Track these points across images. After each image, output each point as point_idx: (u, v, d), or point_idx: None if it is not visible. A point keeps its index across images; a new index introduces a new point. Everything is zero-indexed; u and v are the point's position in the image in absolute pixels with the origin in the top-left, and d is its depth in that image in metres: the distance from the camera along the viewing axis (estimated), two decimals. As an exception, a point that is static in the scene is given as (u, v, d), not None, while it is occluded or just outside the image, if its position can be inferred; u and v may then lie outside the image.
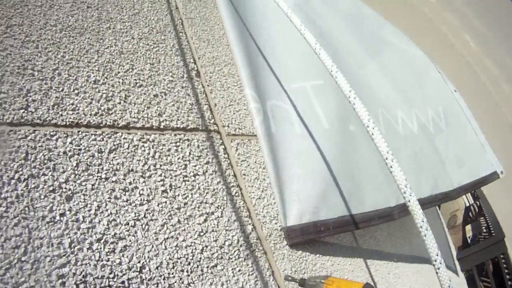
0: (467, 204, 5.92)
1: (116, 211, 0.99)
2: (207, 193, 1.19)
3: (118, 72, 1.31)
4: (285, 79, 1.86)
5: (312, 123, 1.72)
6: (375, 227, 2.05)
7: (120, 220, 0.98)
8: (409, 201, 0.99)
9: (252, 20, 2.02)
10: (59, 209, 0.90)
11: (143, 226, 1.01)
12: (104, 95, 1.20)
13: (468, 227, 5.50)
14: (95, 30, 1.38)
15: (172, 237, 1.06)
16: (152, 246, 1.00)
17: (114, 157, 1.08)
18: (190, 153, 1.24)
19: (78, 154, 1.02)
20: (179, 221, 1.08)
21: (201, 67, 1.61)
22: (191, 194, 1.14)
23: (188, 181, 1.16)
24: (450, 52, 4.90)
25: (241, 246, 1.18)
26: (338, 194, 1.60)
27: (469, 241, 5.40)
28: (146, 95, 1.29)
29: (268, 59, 1.85)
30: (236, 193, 1.30)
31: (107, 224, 0.95)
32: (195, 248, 1.08)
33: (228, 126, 1.51)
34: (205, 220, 1.13)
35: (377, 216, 1.76)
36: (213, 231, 1.13)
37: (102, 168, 1.04)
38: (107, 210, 0.98)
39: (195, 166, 1.22)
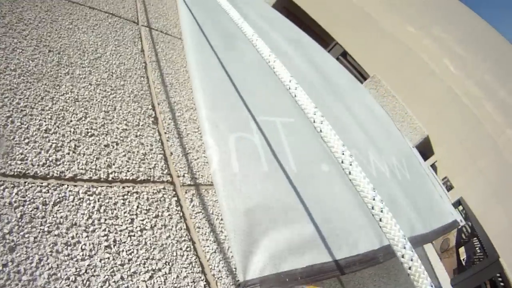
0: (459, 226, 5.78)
1: (57, 265, 0.96)
2: (154, 248, 1.13)
3: (71, 121, 1.30)
4: (254, 110, 1.81)
5: (280, 162, 1.65)
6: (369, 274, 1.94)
7: (61, 275, 0.95)
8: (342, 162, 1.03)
9: (220, 48, 1.98)
10: (1, 260, 0.88)
11: (84, 281, 0.98)
12: (53, 145, 1.18)
13: (462, 249, 5.35)
14: (53, 75, 1.37)
15: None
16: None
17: (58, 210, 1.05)
18: (138, 206, 1.18)
19: (23, 206, 1.00)
20: (122, 278, 1.05)
21: (160, 113, 1.57)
22: (137, 250, 1.09)
23: (134, 236, 1.11)
24: (431, 78, 4.88)
25: (191, 304, 1.09)
26: (307, 241, 1.51)
27: (463, 263, 5.24)
28: (96, 145, 1.25)
29: (238, 88, 1.78)
30: (187, 247, 1.23)
31: (48, 278, 0.93)
32: None
33: (183, 176, 1.45)
34: (151, 277, 1.07)
35: (358, 261, 1.65)
36: (159, 288, 1.04)
37: (46, 221, 1.02)
38: (48, 263, 0.95)
39: (143, 220, 1.17)
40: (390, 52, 5.20)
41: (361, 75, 5.52)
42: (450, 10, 5.41)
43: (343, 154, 1.01)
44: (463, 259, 5.22)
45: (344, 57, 5.65)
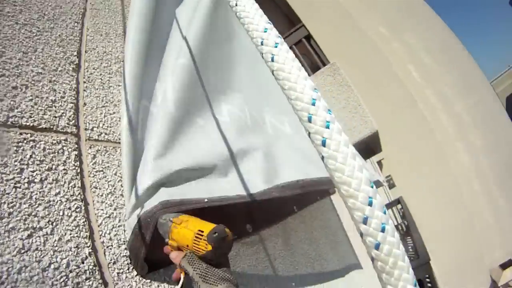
0: (395, 223, 5.96)
1: None
2: (39, 204, 1.03)
3: None
4: (159, 78, 1.68)
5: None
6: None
7: None
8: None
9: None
10: None
11: None
12: None
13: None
14: None
15: None
16: None
17: None
18: (31, 156, 1.08)
19: None
20: None
21: (84, 61, 1.46)
22: (20, 203, 0.99)
23: (19, 188, 1.01)
24: (391, 79, 4.92)
25: (70, 272, 1.00)
26: (169, 189, 1.30)
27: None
28: (3, 85, 1.15)
29: (157, 58, 1.65)
30: (77, 208, 1.13)
31: None
32: (12, 267, 0.92)
33: (92, 129, 1.34)
34: (30, 236, 0.97)
35: (237, 198, 1.46)
36: (37, 249, 0.97)
37: None
38: None
39: (33, 172, 1.06)
40: (357, 46, 5.19)
41: (321, 61, 5.45)
42: (424, 20, 5.46)
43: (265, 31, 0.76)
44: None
45: (307, 40, 5.56)
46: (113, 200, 1.27)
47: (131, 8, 1.77)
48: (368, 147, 5.23)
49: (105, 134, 1.39)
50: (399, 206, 5.95)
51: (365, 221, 0.57)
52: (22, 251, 0.96)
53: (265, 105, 2.46)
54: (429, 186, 5.31)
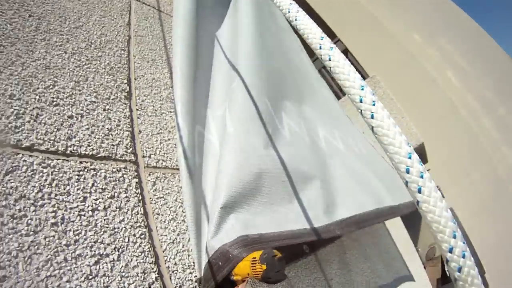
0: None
1: (0, 237, 0.89)
2: (104, 231, 1.03)
3: (37, 88, 1.21)
4: (213, 104, 1.71)
5: (225, 138, 1.51)
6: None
7: (3, 248, 0.88)
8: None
9: (203, 39, 1.85)
10: None
11: (26, 258, 0.90)
12: (15, 112, 1.09)
13: (446, 260, 5.24)
14: (28, 40, 1.28)
15: (55, 275, 0.93)
16: (32, 282, 0.88)
17: (9, 180, 0.97)
18: (93, 184, 1.08)
19: None
20: (65, 259, 0.96)
21: (135, 88, 1.47)
22: (85, 231, 1.00)
23: (84, 216, 1.01)
24: (431, 87, 4.78)
25: (138, 296, 0.97)
26: (242, 216, 1.32)
27: (447, 273, 5.12)
28: (60, 115, 1.16)
29: (204, 82, 1.65)
30: (142, 234, 1.13)
31: None
32: None
33: (149, 157, 1.35)
34: (97, 262, 0.97)
35: (309, 234, 1.48)
36: (104, 275, 0.97)
37: None
38: None
39: (96, 199, 1.07)
40: (393, 57, 5.10)
41: (361, 74, 5.34)
42: (457, 23, 5.30)
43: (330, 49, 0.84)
44: (447, 270, 5.11)
45: (345, 55, 5.50)
46: (175, 226, 1.28)
47: (173, 34, 1.79)
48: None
49: (163, 160, 1.41)
50: (449, 218, 5.69)
51: (450, 250, 0.69)
52: (90, 277, 0.97)
53: (318, 118, 2.45)
54: (478, 196, 5.06)
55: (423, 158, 4.75)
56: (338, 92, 5.40)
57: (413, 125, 4.45)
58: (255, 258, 1.07)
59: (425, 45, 4.91)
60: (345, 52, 5.35)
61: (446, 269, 5.15)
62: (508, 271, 4.50)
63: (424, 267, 4.50)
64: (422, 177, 0.72)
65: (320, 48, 0.87)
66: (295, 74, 2.66)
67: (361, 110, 0.79)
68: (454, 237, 0.70)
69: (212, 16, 2.11)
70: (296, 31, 0.90)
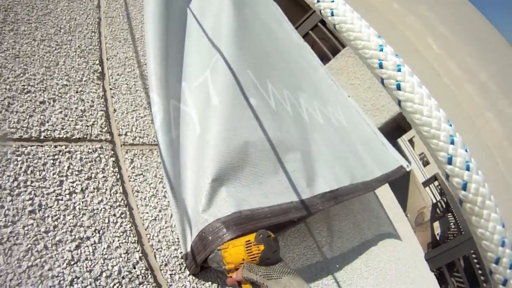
0: (434, 201, 5.79)
1: None
2: (83, 214, 1.01)
3: (8, 78, 1.17)
4: (189, 77, 1.67)
5: (206, 111, 1.49)
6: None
7: None
8: None
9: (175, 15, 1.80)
10: None
11: (6, 251, 0.87)
12: None
13: (436, 224, 5.39)
14: None
15: (36, 265, 0.90)
16: (14, 274, 0.86)
17: None
18: (69, 167, 1.06)
19: None
20: (45, 247, 0.94)
21: (108, 68, 1.44)
22: (63, 215, 0.98)
23: (61, 200, 1.00)
24: (413, 55, 4.77)
25: (123, 278, 0.98)
26: (231, 188, 1.30)
27: (438, 238, 5.27)
28: (31, 102, 1.14)
29: (177, 56, 1.61)
30: (122, 213, 1.11)
31: None
32: (63, 279, 0.92)
33: (126, 134, 1.33)
34: (78, 247, 0.95)
35: (293, 208, 1.46)
36: (86, 259, 0.95)
37: None
38: None
39: (73, 182, 1.04)
40: (374, 26, 5.06)
41: (340, 44, 5.36)
42: (435, -10, 5.25)
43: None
44: (438, 234, 5.25)
45: (323, 24, 5.47)
46: (156, 203, 1.25)
47: (145, 12, 1.75)
48: (399, 126, 5.10)
49: (140, 137, 1.38)
50: (436, 183, 5.78)
51: (449, 161, 0.55)
52: (72, 262, 0.94)
53: (300, 88, 2.43)
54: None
55: (407, 124, 4.79)
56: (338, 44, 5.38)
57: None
58: (249, 241, 1.00)
59: (404, 13, 4.88)
60: (323, 21, 5.30)
61: (436, 233, 5.21)
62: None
63: (414, 232, 4.59)
64: (399, 70, 0.62)
65: (318, 1, 0.77)
66: (277, 43, 2.64)
67: (320, 11, 0.73)
68: (452, 142, 0.57)
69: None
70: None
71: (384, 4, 4.88)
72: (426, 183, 6.48)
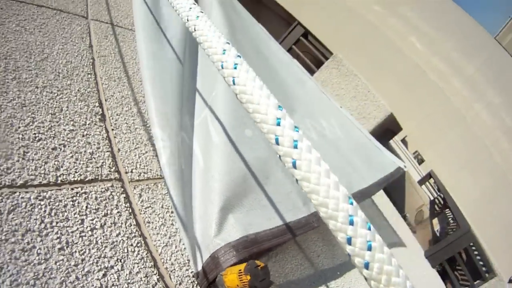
0: (432, 198, 6.04)
1: (17, 271, 1.03)
2: (105, 247, 1.20)
3: (19, 127, 1.35)
4: (190, 115, 1.88)
5: (209, 146, 1.70)
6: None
7: (21, 280, 1.02)
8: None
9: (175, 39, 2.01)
10: None
11: (43, 285, 1.05)
12: (3, 154, 1.24)
13: (435, 221, 5.61)
14: (0, 82, 1.41)
15: None
16: None
17: (12, 218, 1.12)
18: (87, 206, 1.25)
19: None
20: (77, 278, 1.12)
21: (107, 109, 1.63)
22: (89, 249, 1.17)
23: (85, 236, 1.18)
24: (397, 56, 5.03)
25: (145, 299, 1.17)
26: (237, 215, 1.55)
27: (438, 234, 5.49)
28: (44, 149, 1.32)
29: (175, 92, 1.83)
30: (138, 243, 1.31)
31: (10, 284, 1.00)
32: None
33: (131, 171, 1.52)
34: (104, 275, 1.15)
35: (293, 228, 1.71)
36: (113, 285, 1.16)
37: (2, 230, 1.08)
38: (9, 270, 1.02)
39: (92, 220, 1.24)
40: (356, 31, 5.32)
41: (323, 56, 5.60)
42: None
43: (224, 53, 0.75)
44: (437, 230, 5.47)
45: (305, 37, 5.72)
46: (166, 230, 1.46)
47: (138, 49, 1.95)
48: (388, 130, 5.34)
49: (144, 173, 1.57)
50: (431, 180, 6.02)
51: (349, 241, 0.57)
52: None
53: (292, 109, 2.62)
54: (457, 154, 5.35)
55: (397, 127, 5.04)
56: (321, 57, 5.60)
57: (381, 97, 4.70)
58: (240, 270, 1.26)
59: (386, 14, 5.15)
60: (305, 34, 5.55)
61: (436, 229, 5.45)
62: (495, 222, 4.86)
63: (414, 232, 4.80)
64: (296, 147, 0.61)
65: (188, 20, 0.85)
66: (267, 66, 2.79)
67: (224, 78, 0.73)
68: (351, 223, 0.58)
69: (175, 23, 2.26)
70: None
71: (365, 7, 5.14)
72: (422, 181, 6.73)
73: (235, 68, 0.69)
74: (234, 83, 0.69)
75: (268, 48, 3.08)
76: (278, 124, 0.62)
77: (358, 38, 5.28)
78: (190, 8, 0.86)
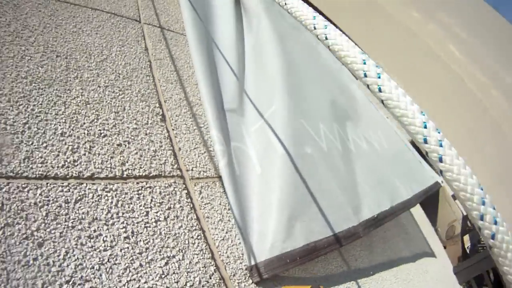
0: (465, 214, 5.95)
1: (83, 256, 1.11)
2: (168, 237, 1.30)
3: (84, 123, 1.44)
4: (245, 122, 2.00)
5: (270, 157, 1.84)
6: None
7: (86, 264, 1.10)
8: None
9: (219, 56, 2.14)
10: (32, 254, 1.02)
11: (107, 269, 1.14)
12: (70, 147, 1.33)
13: (466, 237, 5.52)
14: (63, 80, 1.50)
15: (134, 279, 1.17)
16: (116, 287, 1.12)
17: (79, 207, 1.20)
18: (151, 200, 1.35)
19: (47, 205, 1.15)
20: (141, 265, 1.21)
21: (167, 110, 1.73)
22: (153, 239, 1.26)
23: (149, 227, 1.28)
24: (435, 64, 5.00)
25: (203, 286, 1.29)
26: (300, 223, 1.70)
27: (468, 251, 5.41)
28: (110, 145, 1.42)
29: (230, 100, 1.96)
30: (198, 236, 1.41)
31: (75, 268, 1.08)
32: None
33: (192, 170, 1.62)
34: (166, 263, 1.25)
35: (342, 238, 1.87)
36: (174, 273, 1.24)
37: (69, 217, 1.16)
38: (74, 255, 1.10)
39: (157, 212, 1.33)
40: (393, 37, 5.31)
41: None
42: (452, -5, 5.46)
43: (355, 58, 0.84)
44: (468, 247, 5.38)
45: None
46: (223, 226, 1.57)
47: (192, 55, 2.07)
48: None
49: (203, 171, 1.68)
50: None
51: (481, 217, 0.72)
52: (163, 276, 1.23)
53: (346, 117, 2.78)
54: (493, 168, 5.25)
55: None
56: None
57: (417, 105, 4.72)
58: None
59: (425, 21, 5.13)
60: (345, 40, 5.59)
61: (466, 246, 5.36)
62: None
63: (444, 247, 4.76)
64: (441, 145, 0.74)
65: (315, 28, 0.93)
66: (320, 75, 2.95)
67: (368, 85, 0.81)
68: (483, 203, 0.72)
69: (225, 30, 2.40)
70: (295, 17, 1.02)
71: (403, 13, 5.13)
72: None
73: (379, 77, 0.79)
74: (380, 91, 0.79)
75: (319, 55, 3.18)
76: (425, 127, 0.74)
77: (396, 44, 5.25)
78: (314, 17, 0.94)
